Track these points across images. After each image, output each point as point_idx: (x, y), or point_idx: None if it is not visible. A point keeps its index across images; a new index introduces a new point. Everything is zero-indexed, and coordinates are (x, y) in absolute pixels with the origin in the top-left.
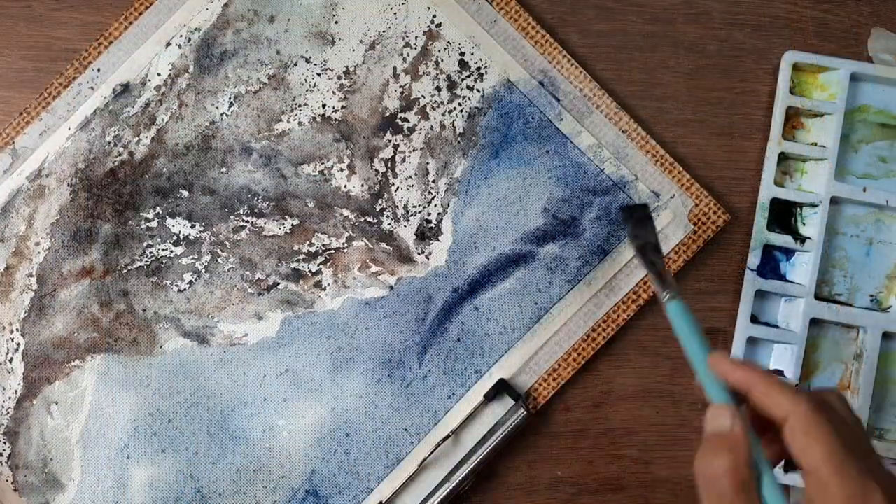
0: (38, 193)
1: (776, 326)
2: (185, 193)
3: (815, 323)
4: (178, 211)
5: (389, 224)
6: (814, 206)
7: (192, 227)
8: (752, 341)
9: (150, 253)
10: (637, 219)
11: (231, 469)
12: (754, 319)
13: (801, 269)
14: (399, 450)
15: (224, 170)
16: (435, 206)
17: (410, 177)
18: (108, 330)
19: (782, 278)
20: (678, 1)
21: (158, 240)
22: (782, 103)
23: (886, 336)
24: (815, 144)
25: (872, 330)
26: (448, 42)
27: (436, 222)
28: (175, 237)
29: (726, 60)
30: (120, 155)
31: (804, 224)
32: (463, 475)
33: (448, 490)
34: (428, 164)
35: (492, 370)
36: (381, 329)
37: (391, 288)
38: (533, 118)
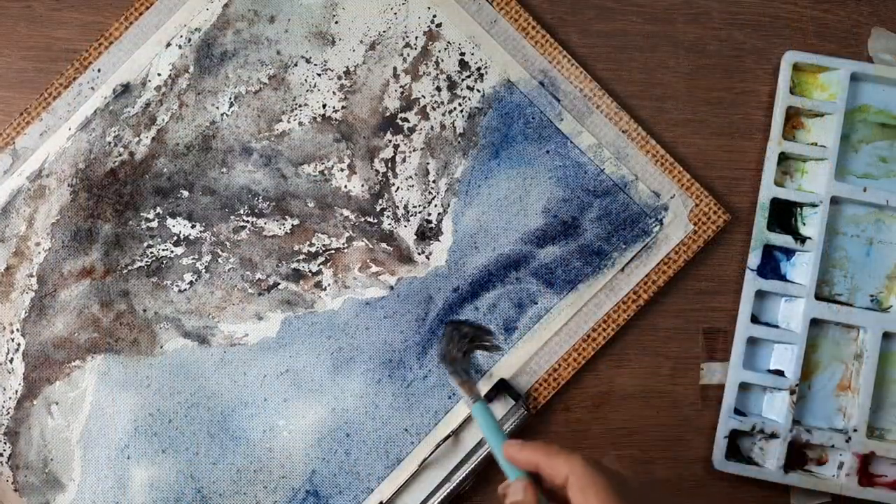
0: (39, 194)
1: (776, 326)
2: (186, 193)
3: (815, 323)
4: (178, 211)
5: (390, 224)
6: (814, 206)
7: (193, 227)
8: (752, 341)
9: (151, 253)
10: (449, 335)
11: (231, 469)
12: (755, 319)
13: (802, 268)
14: (399, 450)
15: (224, 170)
16: (435, 206)
17: (411, 177)
18: (109, 330)
19: (783, 278)
20: (678, 1)
21: (159, 240)
22: (782, 103)
23: (886, 336)
24: (816, 144)
25: (873, 330)
26: (448, 42)
27: (436, 222)
28: (175, 237)
29: (726, 60)
30: (120, 155)
31: (804, 224)
32: (463, 475)
33: (448, 490)
34: (428, 164)
35: (492, 370)
36: (381, 329)
37: (391, 288)
38: (533, 118)
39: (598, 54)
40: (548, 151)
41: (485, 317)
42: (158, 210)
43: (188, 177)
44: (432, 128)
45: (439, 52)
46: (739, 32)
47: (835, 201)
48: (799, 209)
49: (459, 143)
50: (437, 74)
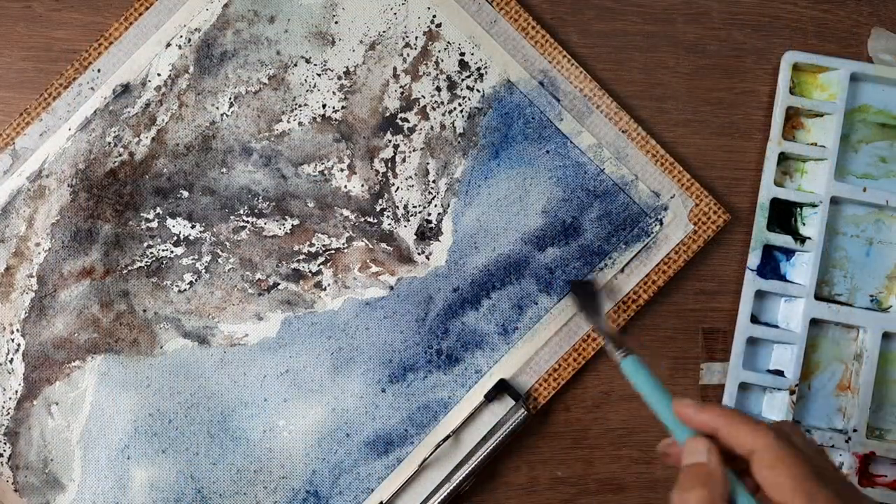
0: (39, 194)
1: (776, 326)
2: (186, 194)
3: (815, 323)
4: (178, 211)
5: (389, 224)
6: (814, 206)
7: (193, 227)
8: (752, 341)
9: (151, 253)
10: (587, 293)
11: (231, 469)
12: (754, 319)
13: (802, 269)
14: (399, 450)
15: (224, 170)
16: (435, 206)
17: (411, 177)
18: (109, 330)
19: (782, 278)
20: (678, 1)
21: (159, 240)
22: (782, 103)
23: (886, 336)
24: (815, 144)
25: (872, 330)
26: (448, 42)
27: (436, 222)
28: (175, 237)
29: (726, 60)
30: (120, 155)
31: (804, 224)
32: (463, 476)
33: (448, 490)
34: (428, 164)
35: (492, 370)
36: (381, 329)
37: (391, 288)
38: (533, 118)
39: (598, 54)
40: (548, 151)
41: (485, 317)
42: (158, 210)
43: (188, 177)
44: (432, 128)
45: (439, 52)
46: (739, 33)
47: (835, 201)
48: (799, 209)
49: (459, 143)
50: (437, 74)
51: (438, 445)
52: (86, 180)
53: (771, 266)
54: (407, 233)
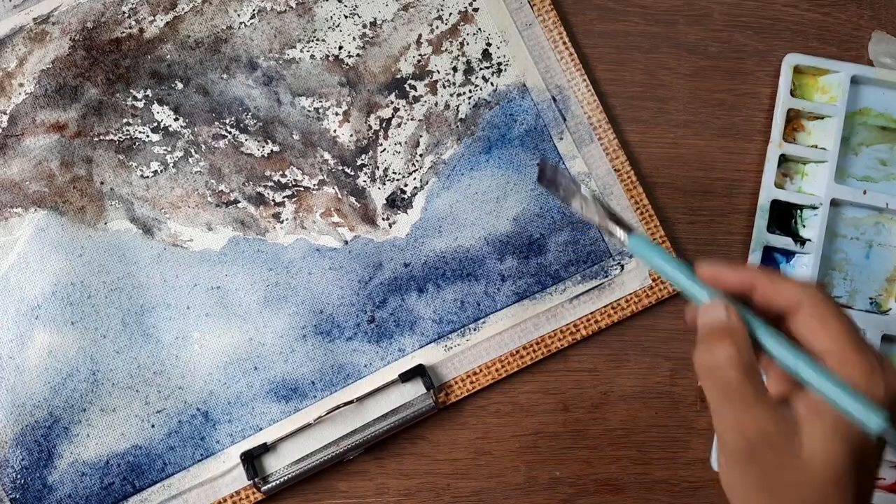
0: (39, 37)
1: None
2: (180, 86)
3: None
4: (167, 100)
5: (365, 181)
6: (814, 208)
7: (176, 119)
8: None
9: (127, 131)
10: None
11: (132, 363)
12: None
13: (801, 271)
14: (300, 401)
15: (225, 76)
16: (414, 179)
17: (400, 143)
18: (60, 190)
19: None
20: (679, 2)
21: (139, 121)
22: (783, 105)
23: (886, 339)
24: (816, 147)
25: (872, 332)
26: (479, 29)
27: (410, 195)
28: (156, 124)
29: (727, 62)
30: (130, 28)
31: (804, 226)
32: (353, 444)
33: (332, 454)
34: (421, 137)
35: (415, 354)
36: (323, 279)
37: (346, 243)
38: (535, 128)
39: (600, 55)
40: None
41: (426, 301)
42: (148, 93)
43: (188, 71)
44: (436, 104)
45: (467, 34)
46: (741, 35)
47: (835, 204)
48: (799, 211)
49: (457, 127)
50: (459, 56)
51: (339, 407)
52: (89, 40)
53: (771, 268)
54: (379, 195)
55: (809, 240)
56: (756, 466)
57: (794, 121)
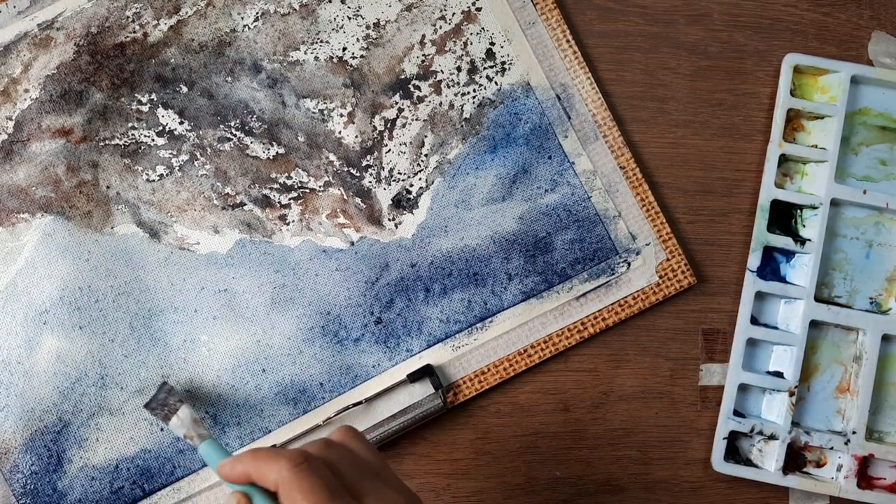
0: (44, 43)
1: (776, 328)
2: (185, 89)
3: (814, 325)
4: (172, 104)
5: (370, 182)
6: (814, 208)
7: (181, 123)
8: (751, 342)
9: (132, 135)
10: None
11: (141, 367)
12: (754, 321)
13: (801, 270)
14: (308, 402)
15: (229, 79)
16: (420, 179)
17: (405, 144)
18: (67, 194)
19: (782, 280)
20: (679, 2)
21: (144, 125)
22: (783, 105)
23: (886, 339)
24: (816, 146)
25: (872, 332)
26: (482, 28)
27: (415, 195)
28: (161, 128)
29: (727, 62)
30: (134, 32)
31: (804, 226)
32: None
33: None
34: (426, 137)
35: (423, 354)
36: (330, 280)
37: (352, 244)
38: (540, 127)
39: (600, 55)
40: (543, 163)
41: (433, 301)
42: (153, 96)
43: (192, 74)
44: (441, 104)
45: (471, 34)
46: (740, 34)
47: (835, 203)
48: (799, 211)
49: (462, 126)
50: (462, 55)
51: (348, 408)
52: (93, 45)
53: (771, 268)
54: (384, 196)
55: (809, 239)
56: None
57: (794, 121)
